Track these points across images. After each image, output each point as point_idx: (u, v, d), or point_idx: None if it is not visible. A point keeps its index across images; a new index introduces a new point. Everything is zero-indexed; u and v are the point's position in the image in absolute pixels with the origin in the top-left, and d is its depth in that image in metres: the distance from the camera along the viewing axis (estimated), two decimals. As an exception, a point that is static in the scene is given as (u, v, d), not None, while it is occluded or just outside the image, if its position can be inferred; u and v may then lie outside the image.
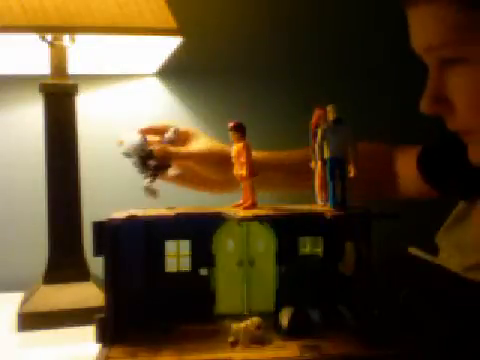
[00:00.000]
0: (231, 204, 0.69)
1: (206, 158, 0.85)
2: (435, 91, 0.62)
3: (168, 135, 0.85)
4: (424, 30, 0.61)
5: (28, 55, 1.03)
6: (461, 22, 0.57)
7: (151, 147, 0.81)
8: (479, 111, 0.60)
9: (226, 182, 0.86)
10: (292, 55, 1.29)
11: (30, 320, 0.87)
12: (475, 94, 0.59)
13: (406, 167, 0.92)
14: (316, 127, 0.67)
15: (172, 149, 0.83)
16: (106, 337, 0.63)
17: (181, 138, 0.87)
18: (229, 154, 0.69)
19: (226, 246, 0.71)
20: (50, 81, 0.93)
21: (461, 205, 0.84)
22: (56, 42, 0.93)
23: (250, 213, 0.64)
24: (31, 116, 1.14)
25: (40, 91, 0.92)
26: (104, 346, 0.62)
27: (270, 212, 0.66)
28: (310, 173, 0.70)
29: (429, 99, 0.62)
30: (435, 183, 0.87)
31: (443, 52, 0.60)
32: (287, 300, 0.68)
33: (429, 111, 0.62)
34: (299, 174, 0.87)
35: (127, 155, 0.80)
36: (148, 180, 0.78)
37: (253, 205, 0.67)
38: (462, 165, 0.69)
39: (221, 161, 0.83)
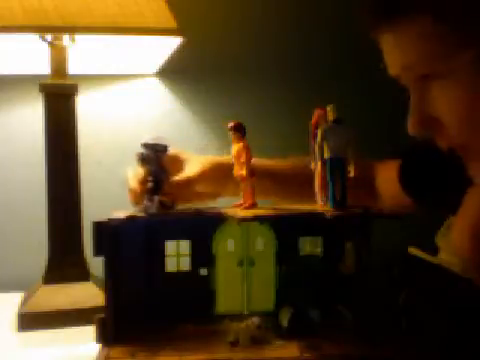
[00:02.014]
0: (231, 204, 0.69)
1: (205, 177, 0.83)
2: (420, 112, 0.60)
3: None
4: (401, 49, 0.59)
5: (28, 55, 1.03)
6: (439, 38, 0.55)
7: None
8: (472, 125, 0.57)
9: (222, 191, 0.86)
10: (292, 55, 1.29)
11: (30, 320, 0.87)
12: (462, 109, 0.57)
13: (387, 183, 0.90)
14: (316, 127, 0.67)
15: (174, 180, 0.78)
16: (106, 337, 0.63)
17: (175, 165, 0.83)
18: (223, 165, 0.68)
19: (226, 246, 0.70)
20: (50, 81, 0.93)
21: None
22: (56, 42, 0.93)
23: (250, 213, 0.64)
24: (31, 116, 1.14)
25: (40, 91, 0.92)
26: (104, 346, 0.62)
27: (270, 212, 0.66)
28: (300, 183, 0.69)
29: (416, 120, 0.60)
30: (418, 197, 0.84)
31: (421, 69, 0.58)
32: (287, 300, 0.68)
33: (419, 133, 0.61)
34: (287, 183, 0.87)
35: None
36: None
37: (253, 205, 0.67)
38: (444, 177, 0.67)
39: (218, 175, 0.83)
